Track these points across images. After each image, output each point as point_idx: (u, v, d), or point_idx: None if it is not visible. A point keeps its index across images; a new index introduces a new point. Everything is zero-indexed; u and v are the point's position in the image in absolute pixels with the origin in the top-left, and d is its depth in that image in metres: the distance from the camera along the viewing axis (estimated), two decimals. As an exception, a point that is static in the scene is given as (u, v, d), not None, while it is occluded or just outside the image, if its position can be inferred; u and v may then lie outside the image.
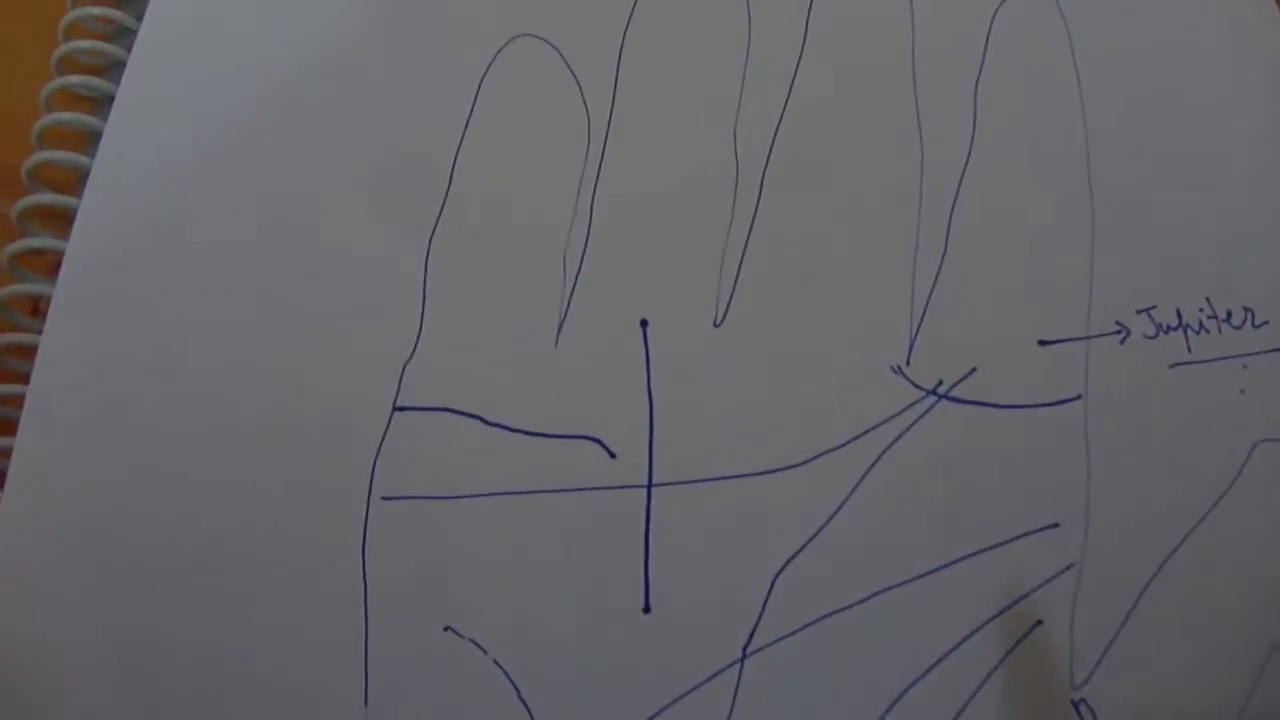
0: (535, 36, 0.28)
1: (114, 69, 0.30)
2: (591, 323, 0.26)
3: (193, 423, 0.25)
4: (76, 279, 0.26)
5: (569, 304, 0.26)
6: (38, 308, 0.29)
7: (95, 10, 0.30)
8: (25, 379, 0.26)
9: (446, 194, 0.26)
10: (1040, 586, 0.25)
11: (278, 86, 0.27)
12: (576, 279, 0.26)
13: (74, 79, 0.29)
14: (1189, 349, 0.27)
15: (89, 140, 0.29)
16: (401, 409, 0.25)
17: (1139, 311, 0.27)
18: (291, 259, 0.26)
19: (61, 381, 0.25)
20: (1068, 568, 0.25)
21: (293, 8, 0.28)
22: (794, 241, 0.27)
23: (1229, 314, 0.28)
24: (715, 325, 0.26)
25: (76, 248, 0.26)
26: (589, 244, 0.26)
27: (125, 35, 0.30)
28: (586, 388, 0.25)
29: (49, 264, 0.28)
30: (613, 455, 0.25)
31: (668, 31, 0.29)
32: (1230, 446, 0.27)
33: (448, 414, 0.25)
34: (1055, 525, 0.26)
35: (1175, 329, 0.27)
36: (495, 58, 0.28)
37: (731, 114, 0.28)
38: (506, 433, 0.25)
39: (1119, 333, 0.27)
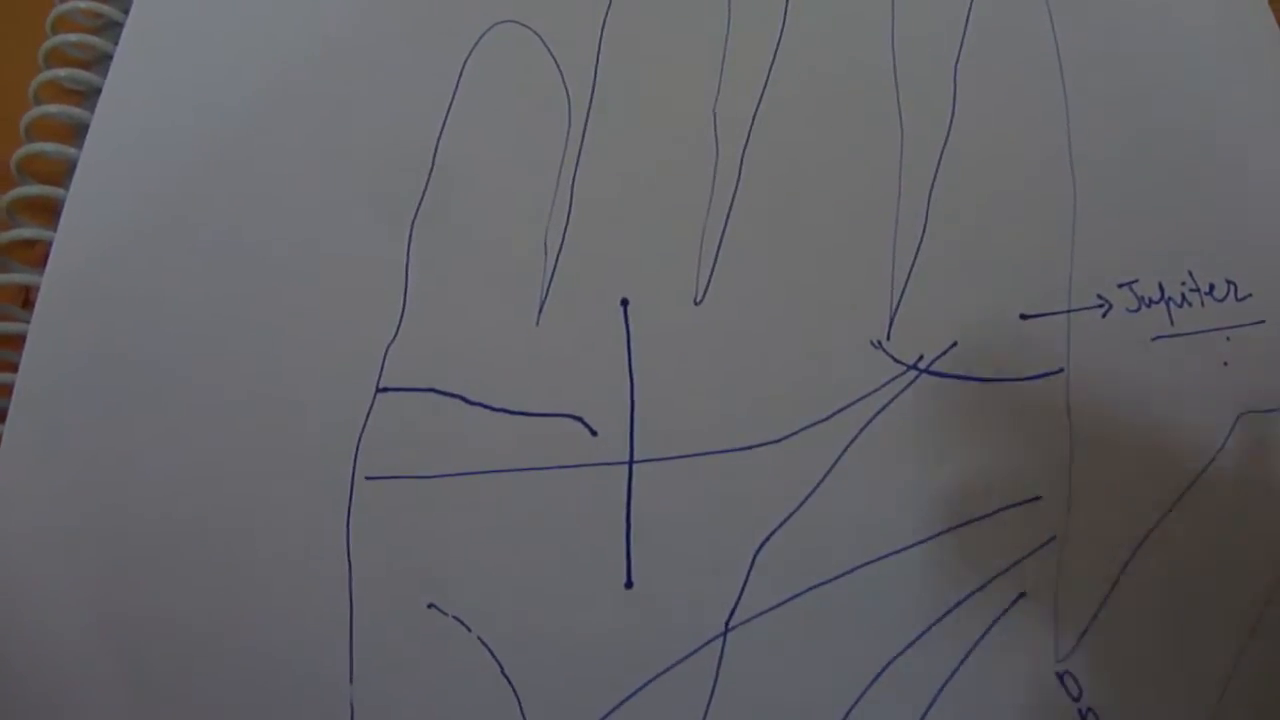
0: (516, 22, 0.28)
1: (101, 62, 0.30)
2: (572, 302, 0.26)
3: (178, 408, 0.25)
4: (65, 269, 0.26)
5: (550, 284, 0.26)
6: (28, 299, 0.29)
7: (82, 4, 0.30)
8: (14, 369, 0.26)
9: (429, 178, 0.27)
10: (1023, 559, 0.25)
11: (262, 76, 0.28)
12: (557, 260, 0.26)
13: (62, 72, 0.30)
14: (1171, 322, 0.27)
15: (77, 133, 0.29)
16: (385, 390, 0.25)
17: (1121, 285, 0.27)
18: (275, 244, 0.26)
19: (50, 371, 0.25)
20: (1050, 540, 0.25)
21: (271, 6, 0.29)
22: (773, 220, 0.27)
23: (1211, 287, 0.28)
24: (696, 303, 0.26)
25: (64, 238, 0.26)
26: (569, 225, 0.26)
27: (112, 29, 0.31)
28: (568, 367, 0.25)
29: (38, 255, 0.29)
30: (594, 433, 0.25)
31: (648, 14, 0.29)
32: (1213, 418, 0.27)
33: (430, 394, 0.25)
34: (1038, 498, 0.26)
35: (1157, 302, 0.27)
36: (477, 44, 0.28)
37: (712, 95, 0.28)
38: (489, 412, 0.25)
39: (1101, 306, 0.27)
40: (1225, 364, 0.27)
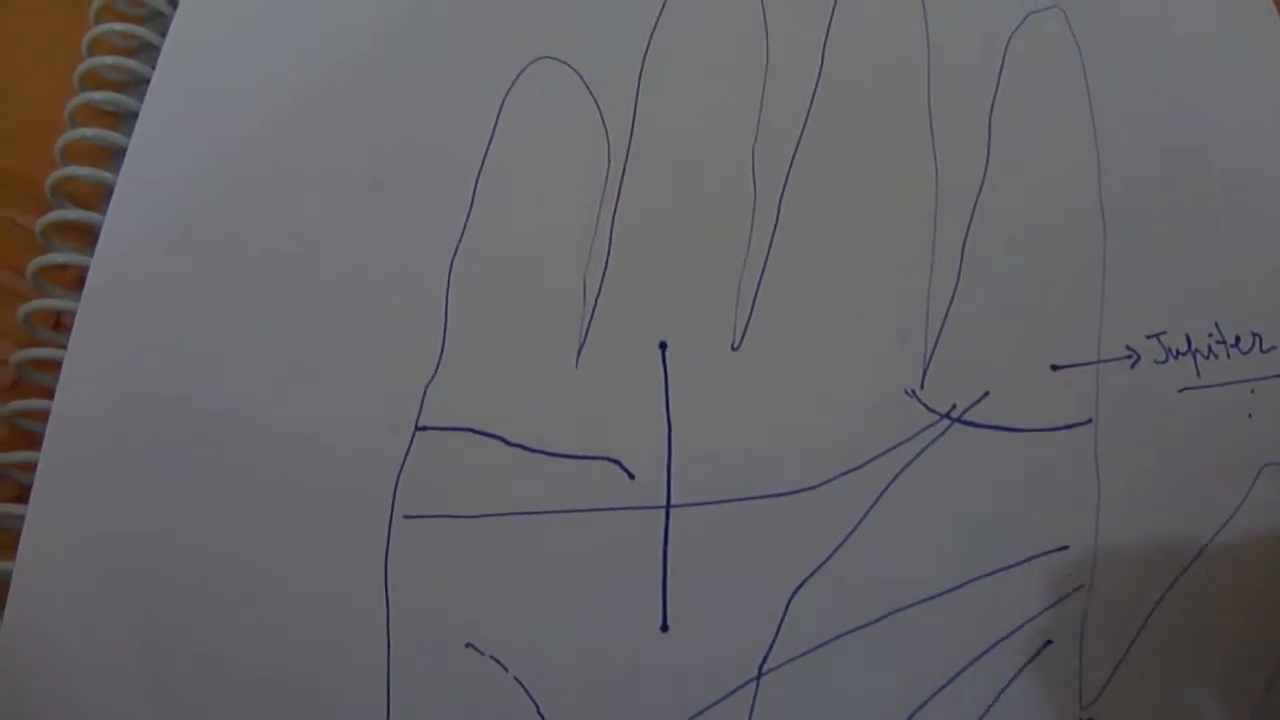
0: (556, 59, 0.28)
1: (137, 85, 0.30)
2: (611, 344, 0.26)
3: (216, 440, 0.25)
4: (100, 295, 0.26)
5: (589, 325, 0.26)
6: (60, 322, 0.29)
7: (118, 26, 0.30)
8: (47, 393, 0.26)
9: (468, 214, 0.27)
10: (1050, 607, 0.26)
11: (301, 106, 0.28)
12: (596, 300, 0.26)
13: (97, 95, 0.30)
14: (1198, 373, 0.28)
15: (112, 156, 0.29)
16: (424, 429, 0.25)
17: (1149, 336, 0.28)
18: (314, 277, 0.26)
19: (85, 398, 0.25)
20: (1077, 589, 0.26)
21: (316, 26, 0.29)
22: (810, 265, 0.27)
23: (1237, 338, 0.28)
24: (733, 348, 0.26)
25: (100, 264, 0.26)
26: (609, 266, 0.27)
27: (148, 50, 0.31)
28: (606, 409, 0.26)
29: (71, 278, 0.29)
30: (631, 476, 0.25)
31: (686, 54, 0.29)
32: (1237, 470, 0.27)
33: (469, 434, 0.25)
34: (1065, 547, 0.26)
35: (1185, 354, 0.28)
36: (516, 80, 0.28)
37: (750, 137, 0.28)
38: (527, 453, 0.25)
39: (1129, 357, 0.27)
40: (1250, 416, 0.28)
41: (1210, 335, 0.28)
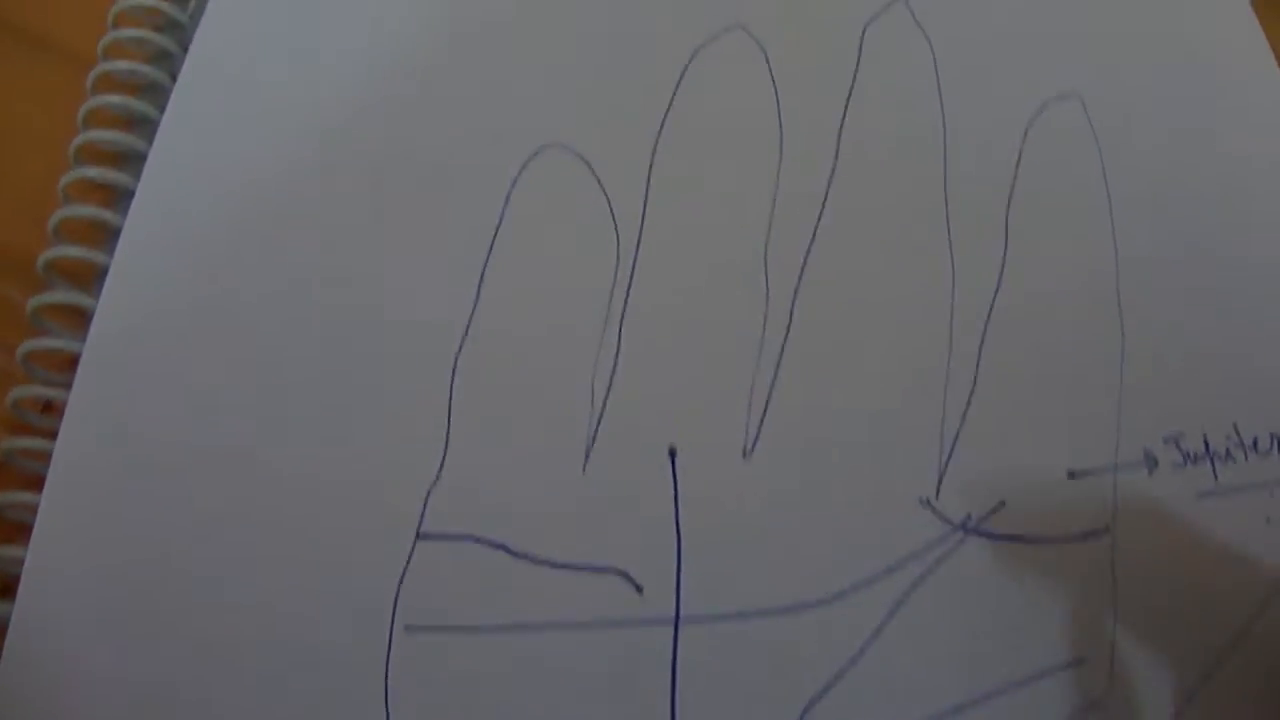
0: (565, 148, 0.28)
1: (134, 161, 0.30)
2: (619, 450, 0.26)
3: (207, 543, 0.24)
4: (91, 385, 0.26)
5: (597, 429, 0.26)
6: (50, 405, 0.28)
7: (114, 99, 0.30)
8: (34, 481, 0.26)
9: (473, 310, 0.26)
10: (1066, 723, 0.25)
11: (298, 195, 0.27)
12: (605, 403, 0.26)
13: (92, 171, 0.29)
14: (1216, 478, 0.27)
15: (108, 235, 0.29)
16: (425, 536, 0.24)
17: (1167, 440, 0.27)
18: (314, 380, 0.25)
19: (74, 493, 0.25)
20: (1092, 705, 0.25)
21: (316, 107, 0.28)
22: (823, 370, 0.27)
23: (1255, 441, 0.28)
24: (744, 456, 0.26)
25: (91, 353, 0.26)
26: (617, 368, 0.26)
27: (146, 124, 0.30)
28: (614, 518, 0.25)
29: (63, 361, 0.28)
30: (639, 589, 0.25)
31: (698, 147, 0.28)
32: (1256, 577, 0.27)
33: (472, 543, 0.25)
34: (1081, 661, 0.26)
35: (1203, 457, 0.27)
36: (524, 168, 0.27)
37: (763, 235, 0.28)
38: (532, 563, 0.25)
39: (1147, 463, 0.27)
40: (1268, 520, 0.27)
41: (1229, 438, 0.28)
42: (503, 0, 0.30)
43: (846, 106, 0.30)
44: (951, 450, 0.27)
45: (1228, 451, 0.28)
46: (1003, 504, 0.26)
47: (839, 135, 0.29)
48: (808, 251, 0.28)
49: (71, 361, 0.27)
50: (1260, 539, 0.27)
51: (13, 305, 0.29)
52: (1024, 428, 0.27)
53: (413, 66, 0.29)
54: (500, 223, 0.27)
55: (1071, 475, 0.27)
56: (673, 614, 0.25)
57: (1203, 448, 0.28)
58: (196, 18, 0.31)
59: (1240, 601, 0.27)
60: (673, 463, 0.26)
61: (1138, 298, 0.29)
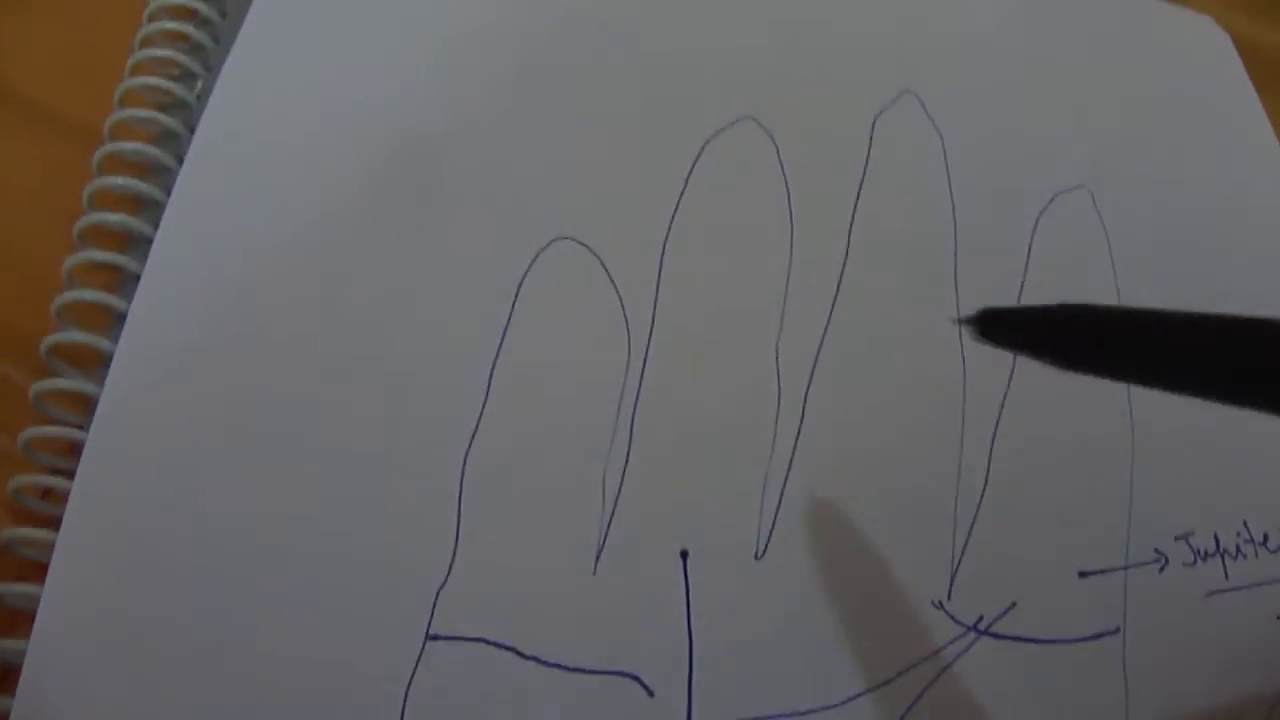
0: (575, 240, 0.28)
1: (139, 243, 0.29)
2: (631, 551, 0.25)
3: (210, 644, 0.24)
4: (94, 477, 0.25)
5: (608, 530, 0.26)
6: (50, 492, 0.28)
7: (120, 180, 0.30)
8: (32, 568, 0.25)
9: (483, 407, 0.26)
10: (1077, 827, 0.25)
11: (305, 281, 0.27)
12: (616, 504, 0.26)
13: (98, 254, 0.29)
14: (1226, 575, 0.27)
15: (112, 321, 0.28)
16: (434, 638, 0.24)
17: (1177, 538, 0.27)
18: (319, 476, 0.25)
19: (76, 584, 0.24)
20: (1105, 808, 0.25)
21: (325, 194, 0.28)
22: (836, 470, 0.27)
23: (1265, 536, 0.28)
24: (756, 558, 0.26)
25: (95, 443, 0.25)
26: (628, 466, 0.26)
27: (152, 207, 0.30)
28: (625, 620, 0.25)
29: (64, 446, 0.28)
30: (651, 693, 0.25)
31: (709, 239, 0.29)
32: (1266, 674, 0.27)
33: (482, 644, 0.24)
34: (1093, 763, 0.25)
35: (1213, 554, 0.27)
36: (534, 261, 0.27)
37: (774, 330, 0.28)
38: (542, 666, 0.24)
39: (1158, 561, 0.27)
40: (1278, 617, 0.27)
41: (1239, 534, 0.28)
42: (512, 94, 0.30)
43: (858, 197, 0.30)
44: (963, 552, 0.27)
45: (1238, 548, 0.28)
46: (1014, 605, 0.26)
47: (850, 227, 0.29)
48: (819, 346, 0.28)
49: (73, 447, 0.27)
50: (1270, 635, 0.27)
51: (14, 387, 0.29)
52: (1035, 528, 0.27)
53: (422, 156, 0.29)
54: (510, 317, 0.27)
55: (1083, 575, 0.27)
56: (685, 718, 0.25)
57: (1213, 545, 0.28)
58: (204, 98, 0.31)
59: (1253, 699, 0.27)
60: (684, 565, 0.26)
61: (1147, 396, 0.29)
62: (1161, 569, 0.28)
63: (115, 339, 0.28)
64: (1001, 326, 0.20)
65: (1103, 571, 0.27)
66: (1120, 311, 0.18)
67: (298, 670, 0.24)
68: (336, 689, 0.24)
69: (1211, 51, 0.35)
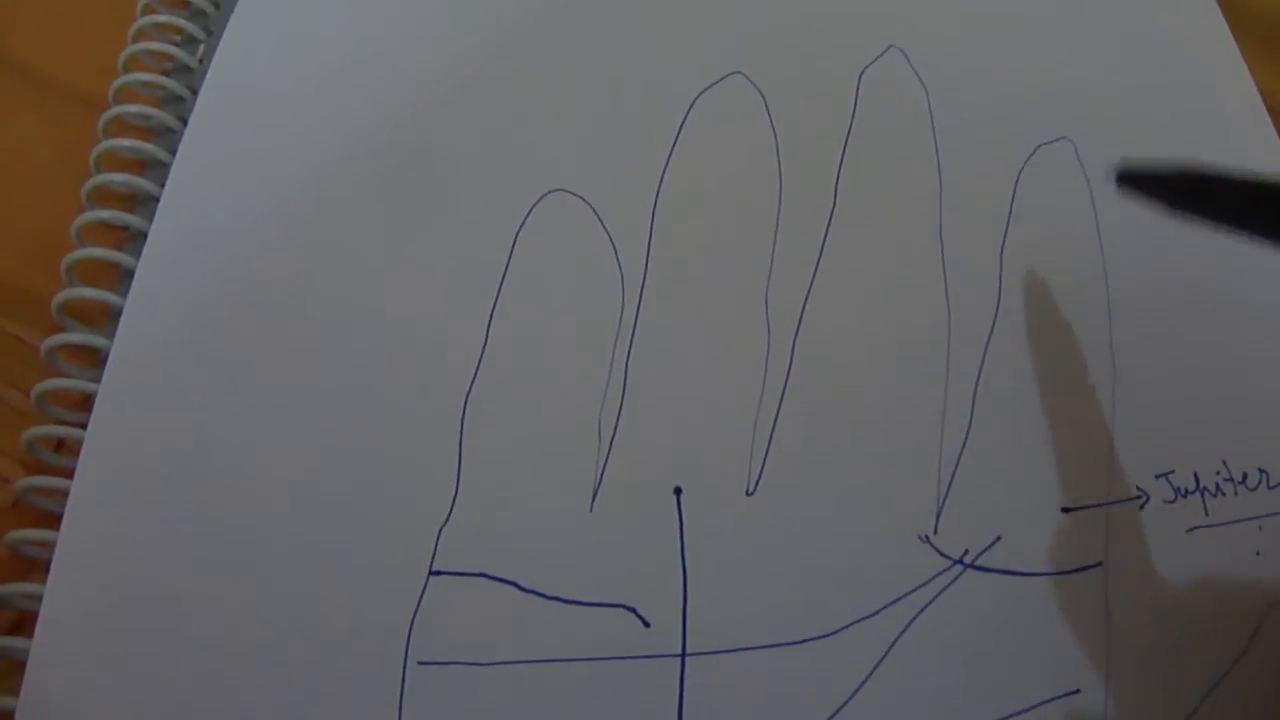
0: (570, 192, 0.29)
1: (146, 202, 0.31)
2: (626, 490, 0.27)
3: (223, 580, 0.25)
4: (107, 424, 0.27)
5: (604, 470, 0.27)
6: (62, 444, 0.29)
7: (126, 142, 0.31)
8: (50, 519, 0.27)
9: (482, 353, 0.27)
10: (1062, 752, 0.26)
11: (311, 234, 0.28)
12: (611, 445, 0.27)
13: (105, 213, 0.30)
14: (1206, 512, 0.29)
15: (120, 276, 0.30)
16: (437, 573, 0.26)
17: (1158, 476, 0.28)
18: (328, 421, 0.27)
19: (93, 532, 0.26)
20: (1089, 734, 0.26)
21: (328, 148, 0.29)
22: (824, 411, 0.28)
23: (1244, 476, 0.29)
24: (748, 494, 0.27)
25: (106, 394, 0.27)
26: (623, 409, 0.27)
27: (158, 167, 0.31)
28: (621, 555, 0.26)
29: (76, 399, 0.29)
30: (646, 624, 0.26)
31: (700, 191, 0.30)
32: (1246, 608, 0.28)
33: (483, 579, 0.26)
34: (1076, 691, 0.27)
35: (1193, 492, 0.29)
36: (530, 213, 0.29)
37: (763, 277, 0.29)
38: (542, 599, 0.26)
39: (1139, 498, 0.28)
40: (1258, 553, 0.29)
41: (1218, 473, 0.29)
42: (507, 52, 0.31)
43: (845, 149, 0.31)
44: (949, 487, 0.28)
45: (1218, 486, 0.29)
46: (999, 539, 0.28)
47: (837, 178, 0.31)
48: (808, 292, 0.29)
49: (84, 400, 0.29)
50: (1249, 570, 0.29)
51: (26, 345, 0.30)
52: (1019, 466, 0.28)
53: (420, 115, 0.30)
54: (508, 267, 0.29)
55: (1065, 510, 0.28)
56: (679, 648, 0.26)
57: (1193, 483, 0.29)
58: (206, 62, 0.32)
59: (1231, 630, 0.28)
60: (678, 501, 0.27)
61: (1129, 338, 0.30)
62: (1143, 505, 0.29)
63: (124, 295, 0.29)
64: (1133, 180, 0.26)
65: (1085, 508, 0.28)
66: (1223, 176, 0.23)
67: (307, 606, 0.25)
68: (344, 624, 0.25)
69: (1191, 3, 0.36)
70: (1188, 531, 0.29)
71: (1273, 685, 0.28)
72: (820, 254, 0.30)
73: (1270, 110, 0.35)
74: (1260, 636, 0.28)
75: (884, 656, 0.27)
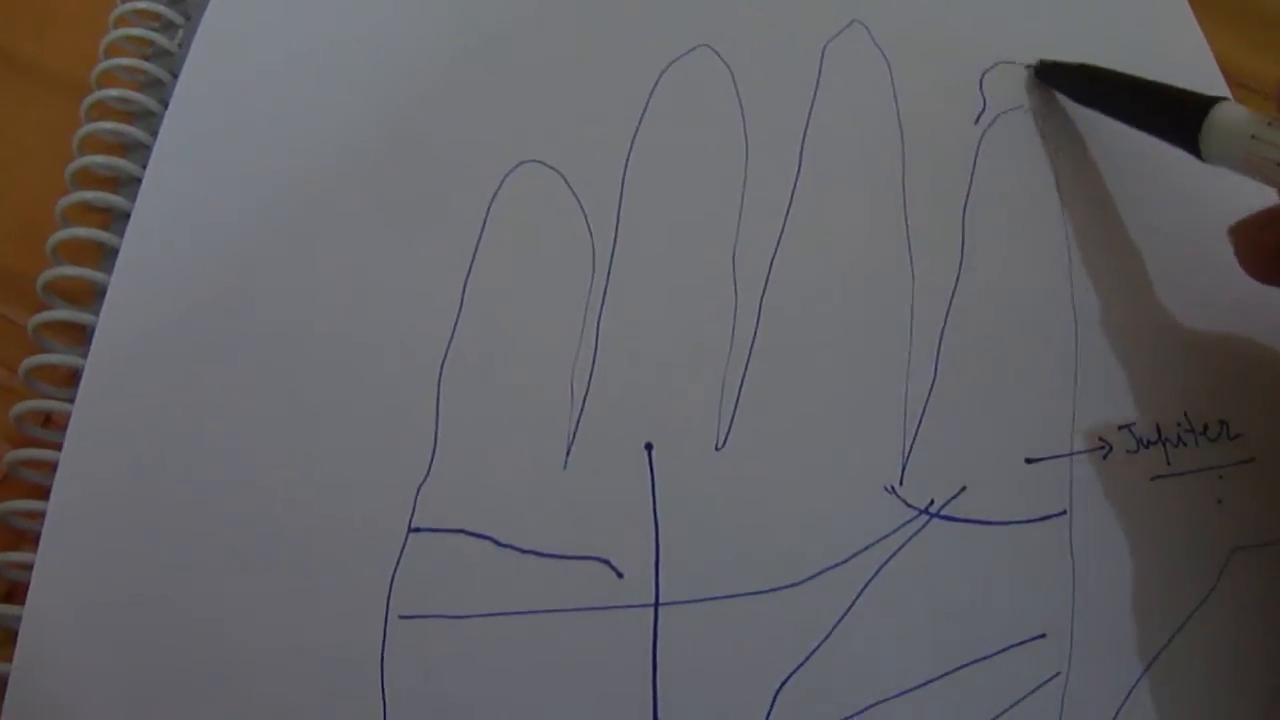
0: (541, 163, 0.30)
1: (129, 184, 0.32)
2: (599, 445, 0.28)
3: (210, 543, 0.27)
4: (94, 397, 0.28)
5: (577, 427, 0.28)
6: (50, 419, 0.30)
7: (108, 125, 0.32)
8: (38, 492, 0.28)
9: (457, 317, 0.29)
10: (1028, 695, 0.28)
11: (291, 209, 0.30)
12: (584, 403, 0.28)
13: (89, 194, 0.31)
14: (1168, 462, 0.30)
15: (105, 255, 0.31)
16: (417, 530, 0.27)
17: (1120, 428, 0.30)
18: (309, 387, 0.28)
19: (80, 497, 0.27)
20: (1054, 676, 0.28)
21: (307, 127, 0.31)
22: (791, 366, 0.30)
23: (1205, 427, 0.30)
24: (717, 449, 0.28)
25: (94, 368, 0.28)
26: (595, 368, 0.29)
27: (139, 149, 0.32)
28: (595, 509, 0.28)
29: (63, 376, 0.30)
30: (620, 575, 0.27)
31: (668, 159, 0.31)
32: (1208, 555, 0.30)
33: (461, 535, 0.27)
34: (1042, 636, 0.28)
35: (1155, 443, 0.30)
36: (502, 183, 0.30)
37: (730, 241, 0.31)
38: (518, 554, 0.27)
39: (1102, 448, 0.30)
40: (1219, 501, 0.30)
41: (1179, 424, 0.30)
42: (478, 28, 0.32)
43: (808, 119, 0.33)
44: (914, 440, 0.29)
45: (1179, 437, 0.30)
46: (964, 489, 0.29)
47: (801, 146, 0.32)
48: (773, 255, 0.31)
49: (71, 376, 0.30)
50: (1212, 518, 0.30)
51: (13, 324, 0.32)
52: (983, 417, 0.30)
53: (393, 92, 0.31)
54: (482, 234, 0.30)
55: (1029, 461, 0.30)
56: (652, 598, 0.27)
57: (1155, 434, 0.30)
58: (185, 47, 0.33)
59: (1195, 575, 0.29)
60: (649, 457, 0.28)
61: (1090, 293, 0.32)
62: (1105, 455, 0.30)
63: (108, 273, 0.30)
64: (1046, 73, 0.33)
65: (1049, 458, 0.30)
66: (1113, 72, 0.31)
67: (290, 562, 0.27)
68: (325, 580, 0.27)
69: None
70: (1151, 480, 0.30)
71: (1236, 628, 0.29)
72: (786, 218, 0.31)
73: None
74: (1224, 579, 0.29)
75: (852, 605, 0.28)
